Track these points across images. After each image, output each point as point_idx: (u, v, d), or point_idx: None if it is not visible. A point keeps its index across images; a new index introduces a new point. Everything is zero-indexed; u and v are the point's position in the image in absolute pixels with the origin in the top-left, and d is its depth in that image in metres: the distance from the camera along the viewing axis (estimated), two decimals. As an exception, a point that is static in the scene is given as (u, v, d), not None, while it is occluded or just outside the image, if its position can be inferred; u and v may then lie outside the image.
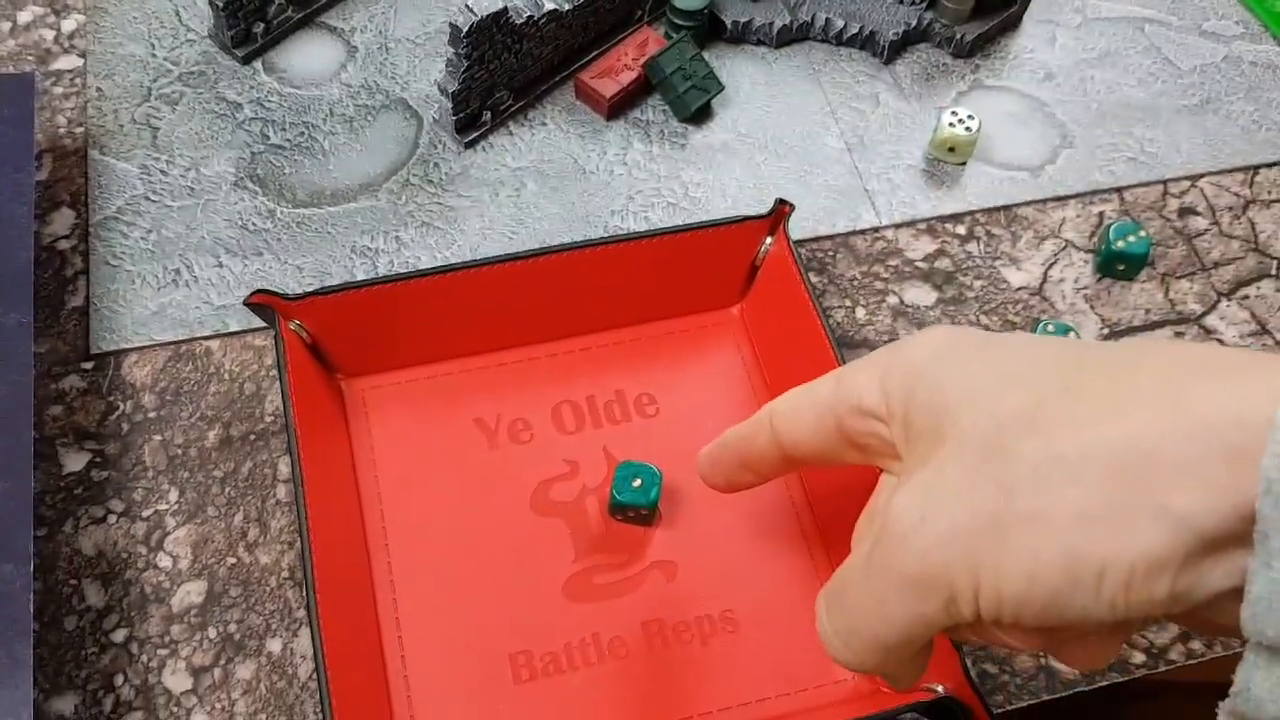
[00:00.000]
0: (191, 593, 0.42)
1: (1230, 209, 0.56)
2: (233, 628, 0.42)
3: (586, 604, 0.43)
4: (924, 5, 0.59)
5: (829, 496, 0.45)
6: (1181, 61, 0.61)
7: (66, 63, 0.56)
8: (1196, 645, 0.44)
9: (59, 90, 0.55)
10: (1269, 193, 0.56)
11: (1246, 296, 0.53)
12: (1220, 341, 0.51)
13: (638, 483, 0.43)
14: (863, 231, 0.53)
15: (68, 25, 0.58)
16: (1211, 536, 0.25)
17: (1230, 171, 0.57)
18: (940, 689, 0.39)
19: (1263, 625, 0.25)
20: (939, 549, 0.28)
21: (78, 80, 0.55)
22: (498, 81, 0.54)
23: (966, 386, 0.29)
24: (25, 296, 0.43)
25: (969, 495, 0.28)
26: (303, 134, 0.54)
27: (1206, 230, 0.55)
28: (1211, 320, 0.52)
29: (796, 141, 0.56)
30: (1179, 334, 0.51)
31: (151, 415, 0.46)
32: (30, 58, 0.56)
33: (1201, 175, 0.57)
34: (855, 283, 0.52)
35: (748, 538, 0.44)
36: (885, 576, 0.29)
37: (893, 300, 0.51)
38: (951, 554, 0.28)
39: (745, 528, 0.45)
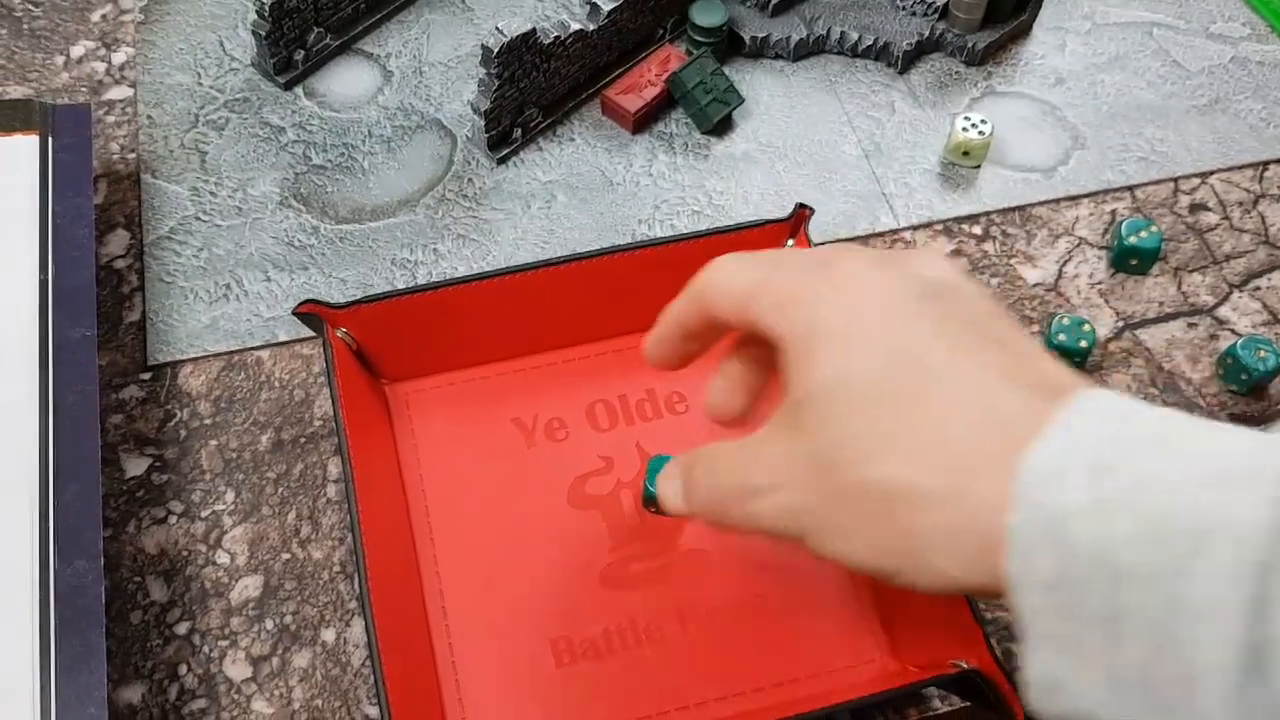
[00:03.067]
0: (249, 587, 0.44)
1: (1240, 204, 0.57)
2: (289, 619, 0.44)
3: (623, 591, 0.45)
4: (936, 16, 0.61)
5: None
6: (1190, 63, 0.63)
7: (118, 93, 0.59)
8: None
9: (111, 119, 0.58)
10: (1278, 187, 0.58)
11: (1258, 288, 0.54)
12: (1233, 332, 0.53)
13: None
14: (881, 234, 0.55)
15: (118, 58, 0.61)
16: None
17: (1240, 168, 0.59)
18: (965, 664, 0.40)
19: (1045, 706, 0.29)
20: (777, 516, 0.34)
21: (129, 109, 0.58)
22: (527, 100, 0.57)
23: (836, 378, 0.33)
24: (89, 311, 0.46)
25: (800, 490, 0.34)
26: (343, 155, 0.57)
27: (1217, 225, 0.57)
28: (1224, 311, 0.54)
29: (815, 150, 0.58)
30: (1192, 325, 0.53)
31: (207, 422, 0.48)
32: (84, 89, 0.59)
33: (1211, 172, 0.59)
34: (875, 283, 0.54)
35: (776, 526, 0.46)
36: (723, 481, 0.37)
37: (912, 299, 0.53)
38: (780, 523, 0.35)
39: (774, 517, 0.46)
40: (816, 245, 0.51)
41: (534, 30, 0.54)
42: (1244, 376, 0.50)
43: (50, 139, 0.50)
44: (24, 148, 0.50)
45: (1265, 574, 0.26)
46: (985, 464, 0.30)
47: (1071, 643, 0.28)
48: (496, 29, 0.53)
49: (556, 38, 0.55)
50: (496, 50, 0.53)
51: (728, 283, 0.37)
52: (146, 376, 0.49)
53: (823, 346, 0.33)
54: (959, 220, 0.56)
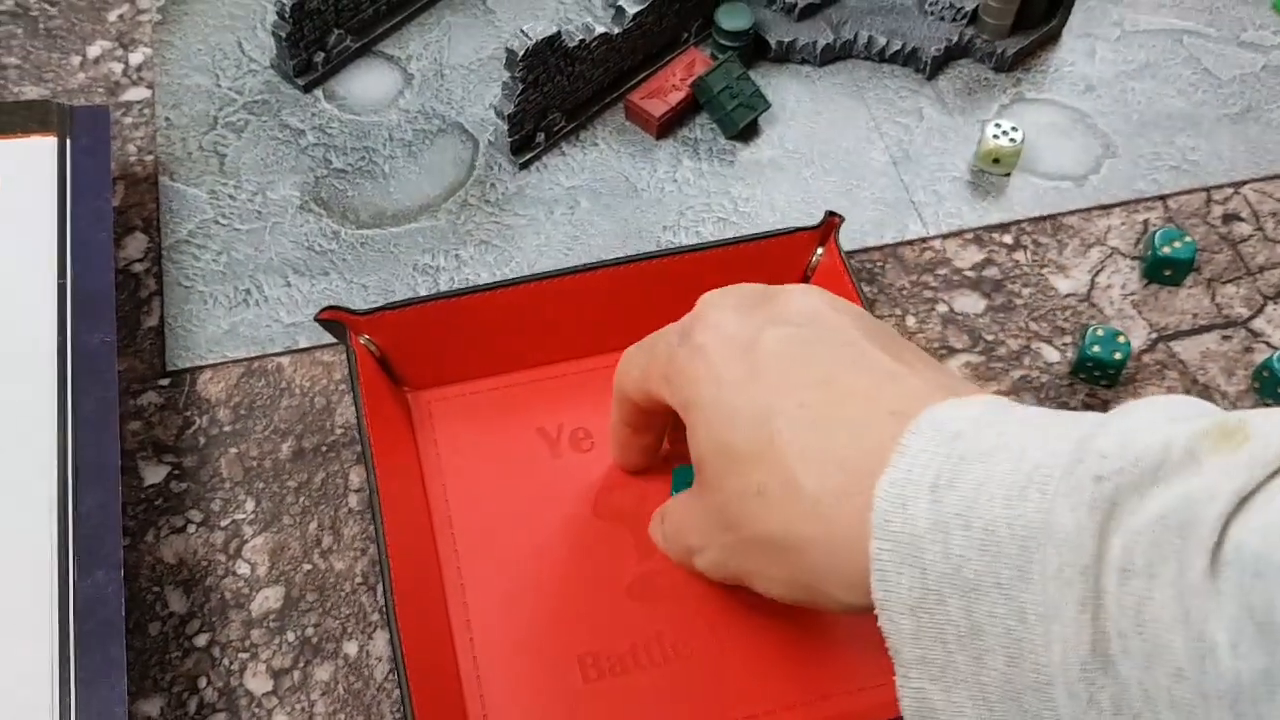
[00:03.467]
0: (269, 598, 0.44)
1: (1274, 214, 0.56)
2: (310, 631, 0.43)
3: (650, 604, 0.44)
4: (965, 21, 0.61)
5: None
6: (1221, 71, 0.62)
7: (135, 94, 0.58)
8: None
9: (129, 120, 0.57)
10: (1312, 198, 0.57)
11: (1293, 300, 0.54)
12: (1268, 344, 0.52)
13: None
14: (910, 242, 0.54)
15: (135, 58, 0.60)
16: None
17: (1273, 178, 0.58)
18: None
19: None
20: (713, 569, 0.39)
21: (146, 110, 0.58)
22: (551, 104, 0.56)
23: (718, 450, 0.36)
24: (109, 317, 0.45)
25: (719, 546, 0.38)
26: (364, 158, 0.56)
27: (1251, 236, 0.56)
28: (1258, 324, 0.53)
29: (842, 156, 0.58)
30: (1226, 338, 0.52)
31: (227, 429, 0.47)
32: (100, 90, 0.58)
33: (1244, 182, 0.58)
34: (905, 292, 0.53)
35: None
36: (674, 542, 0.42)
37: (942, 309, 0.52)
38: (721, 573, 0.39)
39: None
40: (846, 254, 0.50)
41: (558, 33, 0.53)
42: (1281, 390, 0.49)
43: (69, 141, 0.50)
44: (42, 149, 0.49)
45: (1091, 576, 0.27)
46: (844, 498, 0.32)
47: (940, 665, 0.30)
48: (521, 31, 0.52)
49: (581, 41, 0.54)
50: (521, 53, 0.52)
51: (627, 372, 0.41)
52: (165, 383, 0.49)
53: (696, 418, 0.36)
54: (989, 229, 0.55)
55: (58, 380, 0.43)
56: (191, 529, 0.45)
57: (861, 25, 0.61)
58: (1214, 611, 0.26)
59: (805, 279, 0.50)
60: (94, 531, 0.40)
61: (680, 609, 0.44)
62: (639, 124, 0.58)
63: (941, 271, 0.54)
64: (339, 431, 0.48)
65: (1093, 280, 0.54)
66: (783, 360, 0.35)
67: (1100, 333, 0.49)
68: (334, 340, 0.47)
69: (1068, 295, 0.53)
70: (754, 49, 0.60)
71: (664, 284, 0.49)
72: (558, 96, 0.56)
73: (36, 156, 0.49)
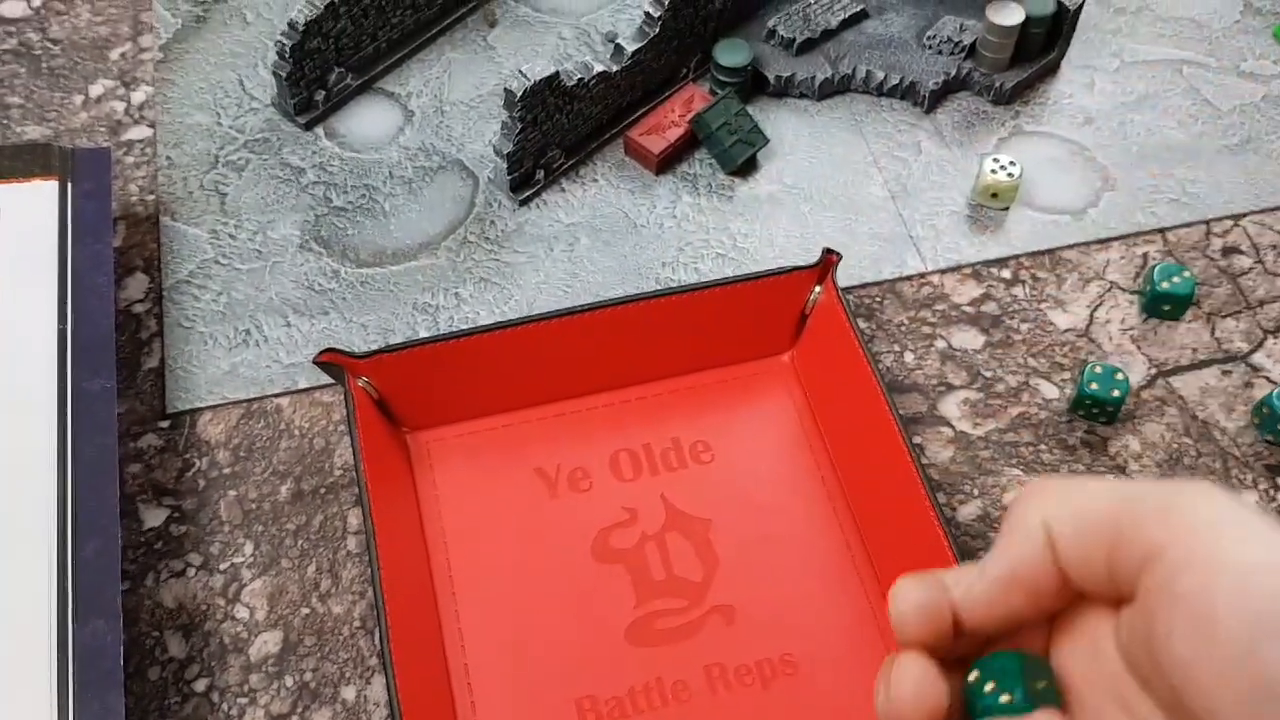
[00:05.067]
0: (268, 643, 0.44)
1: (1274, 247, 0.56)
2: (308, 676, 0.43)
3: (649, 648, 0.44)
4: (963, 55, 0.61)
5: (883, 538, 0.46)
6: (1220, 102, 0.62)
7: (137, 133, 0.59)
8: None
9: (130, 160, 0.58)
10: (1312, 230, 0.57)
11: (1293, 333, 0.54)
12: (1268, 380, 0.52)
13: None
14: (909, 277, 0.55)
15: (137, 97, 0.60)
16: None
17: (1273, 210, 0.58)
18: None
19: None
20: None
21: (148, 150, 0.58)
22: (550, 141, 0.56)
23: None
24: (109, 362, 0.45)
25: None
26: (364, 196, 0.57)
27: (1251, 269, 0.56)
28: (1258, 358, 0.53)
29: (841, 191, 0.58)
30: (1226, 372, 0.52)
31: (226, 471, 0.48)
32: (102, 129, 0.59)
33: (1244, 215, 0.58)
34: (903, 328, 0.53)
35: (803, 582, 0.45)
36: None
37: (940, 344, 0.52)
38: None
39: (801, 572, 0.46)
40: (845, 290, 0.50)
41: (557, 73, 0.53)
42: (1281, 426, 0.49)
43: (70, 184, 0.50)
44: (44, 193, 0.49)
45: None
46: None
47: None
48: (520, 72, 0.52)
49: (580, 79, 0.55)
50: (520, 94, 0.52)
51: (1089, 505, 0.26)
52: (165, 425, 0.49)
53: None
54: (987, 264, 0.55)
55: (58, 426, 0.43)
56: (191, 572, 0.45)
57: (860, 60, 0.61)
58: None
59: (803, 316, 0.50)
60: (93, 579, 0.40)
61: (678, 652, 0.44)
62: (638, 160, 0.58)
63: (940, 307, 0.54)
64: (338, 472, 0.48)
65: (1091, 315, 0.54)
66: None
67: (1098, 370, 0.49)
68: (333, 381, 0.47)
69: (1066, 330, 0.53)
70: (752, 84, 0.60)
71: (663, 322, 0.49)
72: (557, 134, 0.56)
73: (38, 200, 0.49)
